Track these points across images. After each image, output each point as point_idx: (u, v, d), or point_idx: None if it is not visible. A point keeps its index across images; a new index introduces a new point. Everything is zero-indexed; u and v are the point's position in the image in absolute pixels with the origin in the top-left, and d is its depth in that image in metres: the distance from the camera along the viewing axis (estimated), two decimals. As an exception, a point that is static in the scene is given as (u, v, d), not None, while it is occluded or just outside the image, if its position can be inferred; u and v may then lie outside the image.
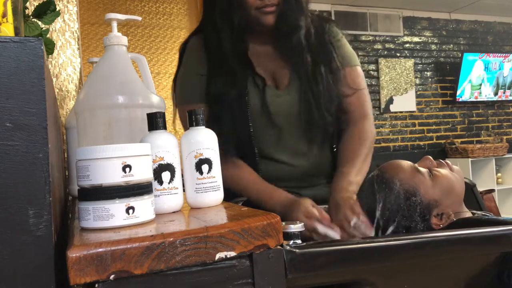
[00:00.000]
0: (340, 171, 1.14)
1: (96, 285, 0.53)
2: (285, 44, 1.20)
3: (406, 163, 1.03)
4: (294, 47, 1.18)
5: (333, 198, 1.06)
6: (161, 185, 0.72)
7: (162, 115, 0.74)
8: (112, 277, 0.53)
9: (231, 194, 1.05)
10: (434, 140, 4.92)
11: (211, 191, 0.77)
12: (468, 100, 4.96)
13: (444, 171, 1.03)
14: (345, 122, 1.23)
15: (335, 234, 0.98)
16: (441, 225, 0.98)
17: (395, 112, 4.74)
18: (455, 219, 0.99)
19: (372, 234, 0.98)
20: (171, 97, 1.31)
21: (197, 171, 0.76)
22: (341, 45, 1.27)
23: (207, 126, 0.79)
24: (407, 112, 4.80)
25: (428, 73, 4.96)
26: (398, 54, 4.82)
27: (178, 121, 1.26)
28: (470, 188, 1.24)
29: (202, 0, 1.26)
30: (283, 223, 0.77)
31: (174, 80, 1.28)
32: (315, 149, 1.24)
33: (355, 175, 1.12)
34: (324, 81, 1.18)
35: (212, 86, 1.16)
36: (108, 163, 0.62)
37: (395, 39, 4.81)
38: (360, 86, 1.25)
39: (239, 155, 1.16)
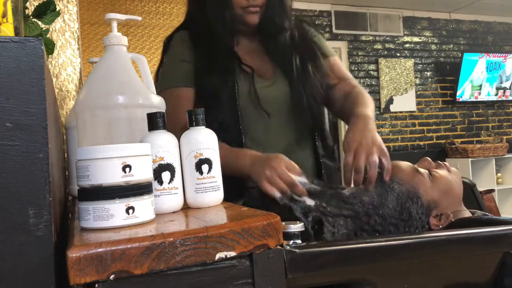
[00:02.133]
0: (355, 112, 1.14)
1: (96, 285, 0.53)
2: (270, 44, 1.26)
3: (406, 164, 1.04)
4: (280, 47, 1.25)
5: (361, 135, 1.04)
6: (161, 185, 0.72)
7: (162, 115, 0.74)
8: (112, 277, 0.53)
9: (231, 193, 1.05)
10: (434, 140, 4.92)
11: (211, 191, 0.77)
12: (468, 100, 4.97)
13: (442, 172, 1.03)
14: (340, 93, 1.30)
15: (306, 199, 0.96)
16: (440, 226, 0.98)
17: (395, 112, 4.74)
18: (453, 220, 0.99)
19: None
20: None
21: (197, 171, 0.76)
22: (319, 39, 1.36)
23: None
24: (407, 112, 4.80)
25: (428, 73, 4.96)
26: (398, 54, 4.82)
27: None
28: (470, 188, 1.24)
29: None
30: (283, 223, 0.77)
31: (157, 73, 1.31)
32: (298, 146, 1.27)
33: (371, 115, 1.14)
34: (310, 73, 1.25)
35: (201, 75, 1.21)
36: (108, 163, 0.62)
37: (395, 39, 4.82)
38: (345, 74, 1.35)
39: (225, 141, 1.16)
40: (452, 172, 1.05)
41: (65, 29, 1.64)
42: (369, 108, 1.18)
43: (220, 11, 1.21)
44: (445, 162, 1.08)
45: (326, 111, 1.36)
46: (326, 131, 1.33)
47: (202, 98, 1.20)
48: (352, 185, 1.00)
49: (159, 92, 1.23)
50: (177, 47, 1.27)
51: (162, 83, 1.25)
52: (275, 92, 1.24)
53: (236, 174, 1.07)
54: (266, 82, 1.24)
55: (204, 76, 1.21)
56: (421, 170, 1.02)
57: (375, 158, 0.98)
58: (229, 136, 1.16)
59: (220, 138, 1.10)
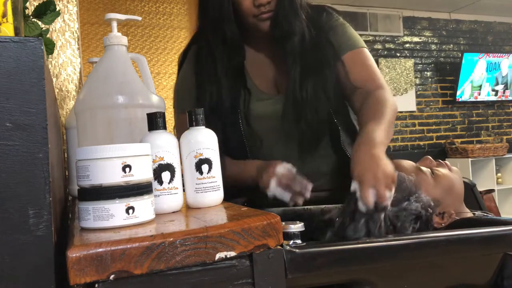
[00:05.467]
0: (363, 130, 0.99)
1: (96, 285, 0.53)
2: (279, 50, 1.18)
3: (408, 163, 1.04)
4: (288, 54, 1.16)
5: (360, 162, 0.90)
6: (161, 185, 0.72)
7: (162, 115, 0.74)
8: (112, 277, 0.53)
9: (230, 194, 1.05)
10: (434, 140, 4.92)
11: (211, 191, 0.77)
12: (468, 100, 4.96)
13: (444, 170, 1.04)
14: (359, 101, 1.15)
15: (286, 197, 1.01)
16: (442, 224, 0.98)
17: (395, 112, 4.73)
18: (457, 218, 0.99)
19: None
20: (171, 97, 1.32)
21: (197, 171, 0.76)
22: (336, 33, 1.21)
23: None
24: (407, 112, 4.80)
25: (428, 73, 4.96)
26: (398, 54, 4.82)
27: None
28: (470, 188, 1.24)
29: (197, 10, 1.24)
30: (283, 223, 0.77)
31: (176, 86, 1.31)
32: (314, 155, 1.22)
33: (382, 135, 0.97)
34: (311, 87, 1.15)
35: (204, 98, 1.17)
36: (108, 163, 0.62)
37: (395, 39, 4.81)
38: (365, 75, 1.17)
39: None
40: (453, 171, 1.06)
41: (65, 29, 1.64)
42: (381, 120, 1.03)
43: (219, 24, 1.14)
44: (446, 161, 1.08)
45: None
46: (349, 130, 1.23)
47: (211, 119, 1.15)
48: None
49: (175, 112, 1.29)
50: (188, 68, 1.25)
51: (175, 104, 1.28)
52: (274, 107, 1.19)
53: (248, 185, 1.11)
54: (267, 96, 1.20)
55: (206, 98, 1.17)
56: (424, 168, 1.03)
57: (387, 194, 0.86)
58: (238, 158, 1.17)
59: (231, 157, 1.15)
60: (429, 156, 1.08)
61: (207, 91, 1.17)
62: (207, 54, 1.19)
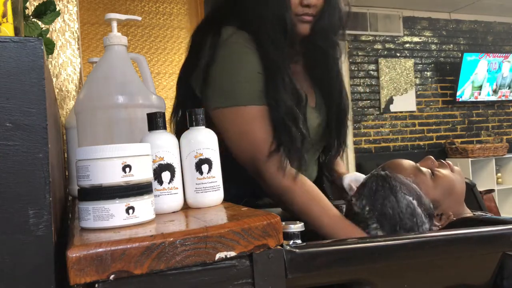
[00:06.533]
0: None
1: (96, 285, 0.53)
2: (317, 61, 1.15)
3: (408, 163, 1.03)
4: (328, 64, 1.14)
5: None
6: (161, 185, 0.72)
7: (162, 115, 0.74)
8: (112, 277, 0.53)
9: (231, 193, 1.03)
10: (434, 140, 4.92)
11: (211, 191, 0.77)
12: (468, 100, 4.96)
13: (445, 171, 1.03)
14: None
15: None
16: (440, 226, 0.98)
17: (395, 112, 4.74)
18: (454, 219, 0.99)
19: None
20: (171, 97, 1.18)
21: (197, 171, 0.76)
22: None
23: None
24: (407, 112, 4.80)
25: (428, 73, 4.96)
26: (398, 54, 4.82)
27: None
28: (470, 188, 1.24)
29: None
30: (283, 223, 0.77)
31: (205, 71, 1.05)
32: (315, 163, 1.24)
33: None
34: (346, 102, 1.18)
35: (278, 91, 1.02)
36: (108, 163, 0.62)
37: (395, 39, 4.81)
38: None
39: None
40: (454, 171, 1.04)
41: (65, 29, 1.64)
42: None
43: (282, 17, 1.04)
44: (448, 161, 1.08)
45: None
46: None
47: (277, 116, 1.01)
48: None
49: (223, 108, 1.03)
50: (245, 53, 1.04)
51: (232, 99, 1.02)
52: (319, 121, 1.15)
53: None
54: (311, 107, 1.14)
55: (281, 92, 1.02)
56: (423, 169, 1.02)
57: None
58: (293, 160, 1.03)
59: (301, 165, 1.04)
60: (431, 156, 1.07)
61: (279, 82, 1.02)
62: (270, 44, 1.04)
